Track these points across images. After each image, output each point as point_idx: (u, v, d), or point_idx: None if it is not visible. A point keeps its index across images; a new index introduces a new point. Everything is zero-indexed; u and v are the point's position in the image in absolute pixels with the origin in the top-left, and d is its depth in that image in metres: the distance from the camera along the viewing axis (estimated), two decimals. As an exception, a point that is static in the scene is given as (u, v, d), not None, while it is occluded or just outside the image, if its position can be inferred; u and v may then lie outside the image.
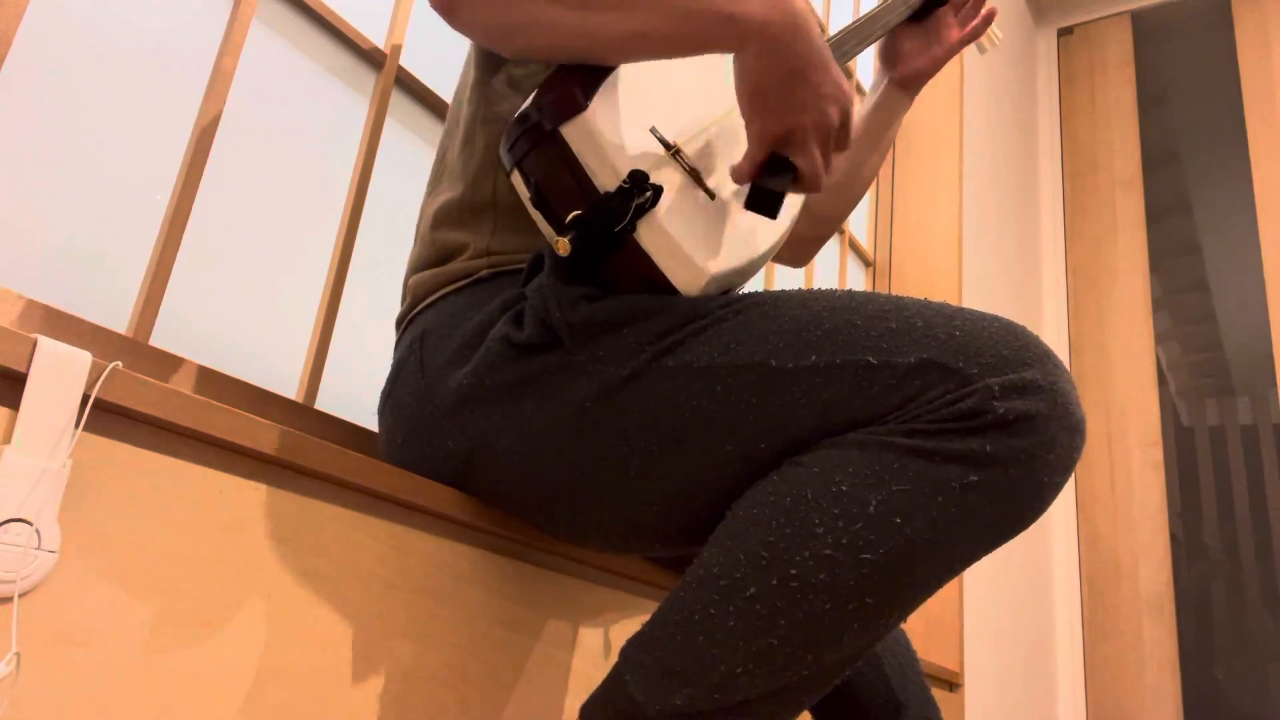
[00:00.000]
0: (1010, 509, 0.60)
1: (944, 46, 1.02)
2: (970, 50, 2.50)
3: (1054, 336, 2.86)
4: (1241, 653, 2.41)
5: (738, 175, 0.72)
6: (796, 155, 0.71)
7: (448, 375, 0.75)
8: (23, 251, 0.77)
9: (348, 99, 1.07)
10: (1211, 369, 2.68)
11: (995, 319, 0.65)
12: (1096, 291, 2.84)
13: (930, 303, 0.66)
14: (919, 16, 1.03)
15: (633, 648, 0.65)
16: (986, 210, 2.47)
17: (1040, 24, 3.26)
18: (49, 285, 0.78)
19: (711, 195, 0.75)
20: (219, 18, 0.93)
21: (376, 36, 1.11)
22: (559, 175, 0.70)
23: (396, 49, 1.12)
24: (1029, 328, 2.96)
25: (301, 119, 1.01)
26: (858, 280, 2.23)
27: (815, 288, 0.73)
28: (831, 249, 2.11)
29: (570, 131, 0.70)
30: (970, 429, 0.60)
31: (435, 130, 1.18)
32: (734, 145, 0.81)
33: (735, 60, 0.70)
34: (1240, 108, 2.82)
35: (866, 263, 2.26)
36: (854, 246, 2.19)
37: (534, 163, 0.71)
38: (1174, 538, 2.54)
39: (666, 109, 0.76)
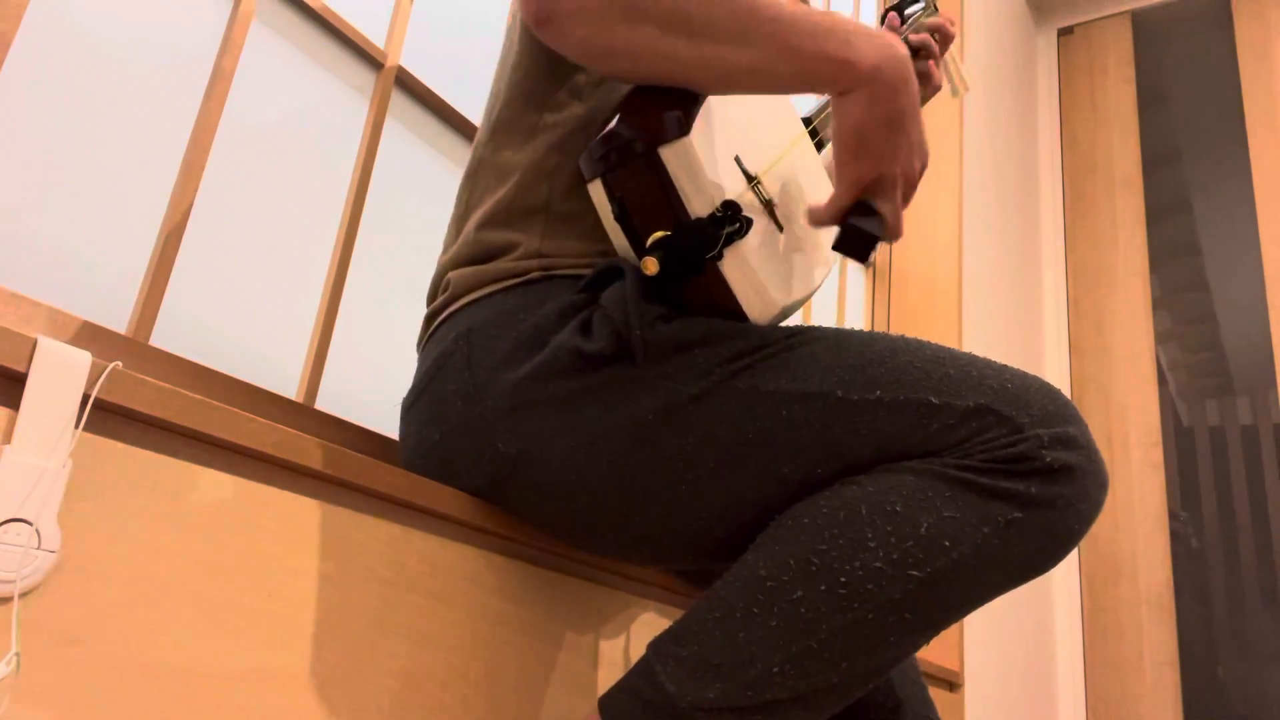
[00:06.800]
0: (1043, 548, 0.65)
1: (929, 87, 1.06)
2: (970, 50, 2.50)
3: (1054, 336, 2.86)
4: (1241, 653, 2.41)
5: (819, 218, 0.75)
6: (882, 202, 0.73)
7: (500, 376, 0.75)
8: (23, 251, 0.77)
9: (348, 99, 1.07)
10: (1211, 369, 2.68)
11: (1035, 377, 0.70)
12: (1096, 292, 2.84)
13: (976, 356, 0.72)
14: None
15: (666, 641, 0.67)
16: (986, 210, 2.47)
17: (1040, 24, 3.26)
18: (49, 285, 0.78)
19: (781, 228, 0.78)
20: (219, 18, 0.93)
21: (377, 37, 1.11)
22: (651, 195, 0.72)
23: (397, 49, 1.12)
24: (1030, 327, 2.96)
25: (301, 119, 1.01)
26: (857, 280, 2.23)
27: (870, 330, 0.78)
28: (831, 249, 2.10)
29: (669, 155, 0.71)
30: (1018, 472, 0.64)
31: (436, 131, 1.18)
32: (799, 177, 0.84)
33: (838, 103, 0.72)
34: (1240, 108, 2.82)
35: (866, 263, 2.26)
36: (854, 246, 2.19)
37: (623, 179, 0.72)
38: (1174, 537, 2.54)
39: (745, 138, 0.78)
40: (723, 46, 0.69)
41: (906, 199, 0.75)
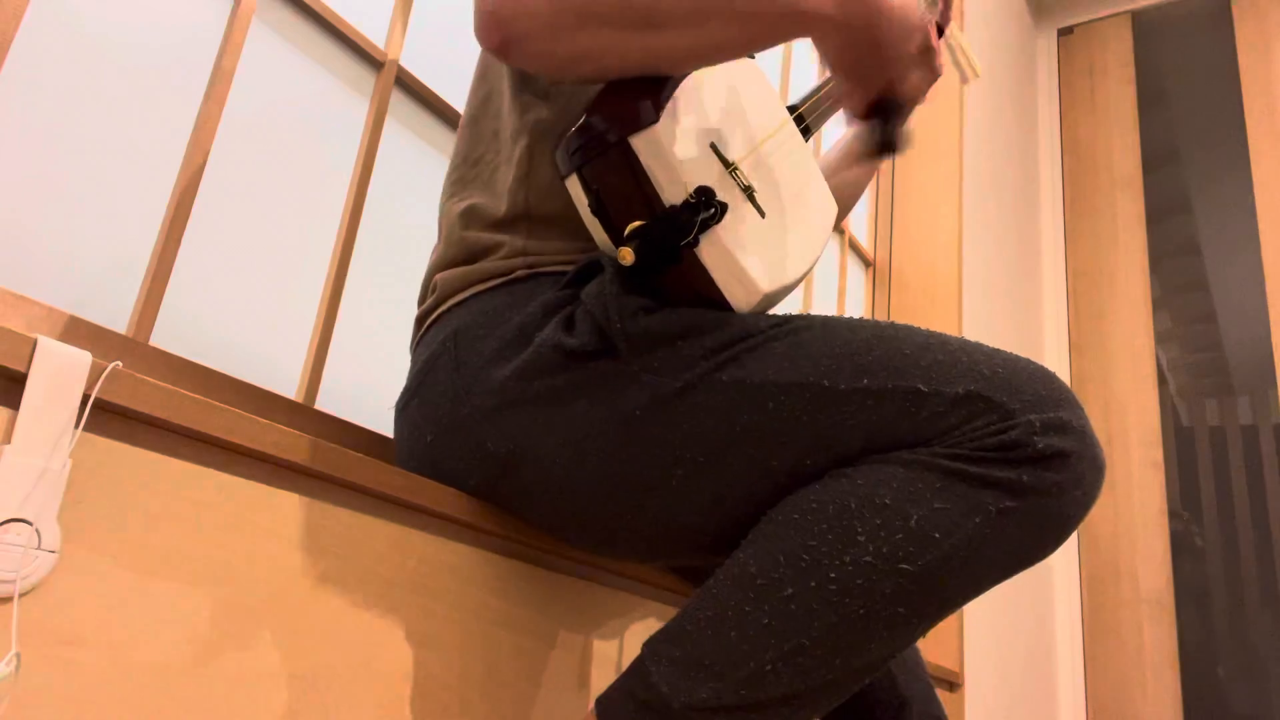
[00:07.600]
0: (1037, 537, 0.64)
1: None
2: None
3: (1054, 336, 2.86)
4: (1241, 653, 2.40)
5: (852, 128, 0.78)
6: (900, 94, 0.75)
7: (486, 375, 0.75)
8: (23, 251, 0.77)
9: (348, 99, 1.07)
10: (1211, 369, 2.68)
11: (1027, 361, 0.69)
12: (1096, 291, 2.84)
13: (966, 340, 0.70)
14: None
15: (660, 641, 0.67)
16: (986, 210, 2.47)
17: (1040, 24, 3.26)
18: (49, 285, 0.78)
19: (762, 214, 0.77)
20: (219, 18, 0.93)
21: (377, 37, 1.11)
22: (624, 186, 0.71)
23: (396, 48, 1.12)
24: (1029, 327, 2.95)
25: (301, 119, 1.01)
26: (857, 280, 2.23)
27: (855, 316, 0.77)
28: (831, 249, 2.11)
29: (640, 143, 0.71)
30: (1009, 459, 0.63)
31: (435, 131, 1.18)
32: (783, 164, 0.83)
33: (817, 43, 0.72)
34: (1240, 108, 2.82)
35: (866, 263, 2.26)
36: (854, 247, 2.19)
37: (597, 170, 0.72)
38: (1174, 537, 2.54)
39: (722, 125, 0.77)
40: (683, 31, 0.68)
41: (923, 84, 0.77)
